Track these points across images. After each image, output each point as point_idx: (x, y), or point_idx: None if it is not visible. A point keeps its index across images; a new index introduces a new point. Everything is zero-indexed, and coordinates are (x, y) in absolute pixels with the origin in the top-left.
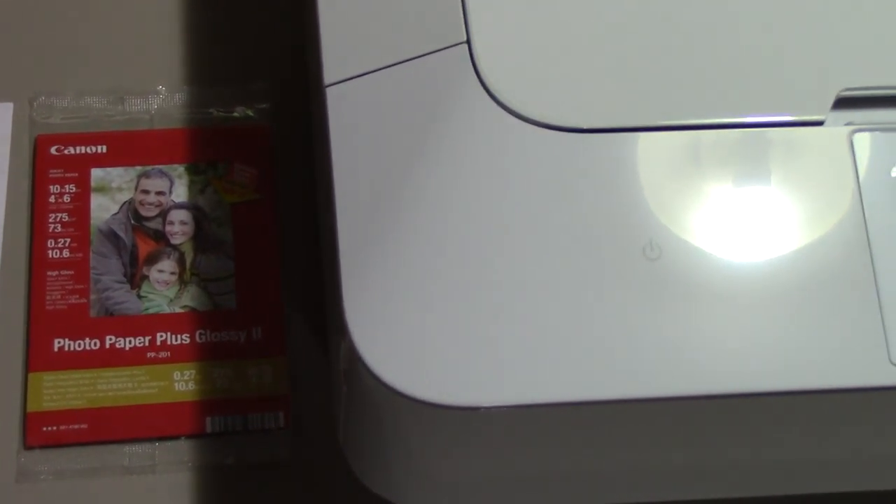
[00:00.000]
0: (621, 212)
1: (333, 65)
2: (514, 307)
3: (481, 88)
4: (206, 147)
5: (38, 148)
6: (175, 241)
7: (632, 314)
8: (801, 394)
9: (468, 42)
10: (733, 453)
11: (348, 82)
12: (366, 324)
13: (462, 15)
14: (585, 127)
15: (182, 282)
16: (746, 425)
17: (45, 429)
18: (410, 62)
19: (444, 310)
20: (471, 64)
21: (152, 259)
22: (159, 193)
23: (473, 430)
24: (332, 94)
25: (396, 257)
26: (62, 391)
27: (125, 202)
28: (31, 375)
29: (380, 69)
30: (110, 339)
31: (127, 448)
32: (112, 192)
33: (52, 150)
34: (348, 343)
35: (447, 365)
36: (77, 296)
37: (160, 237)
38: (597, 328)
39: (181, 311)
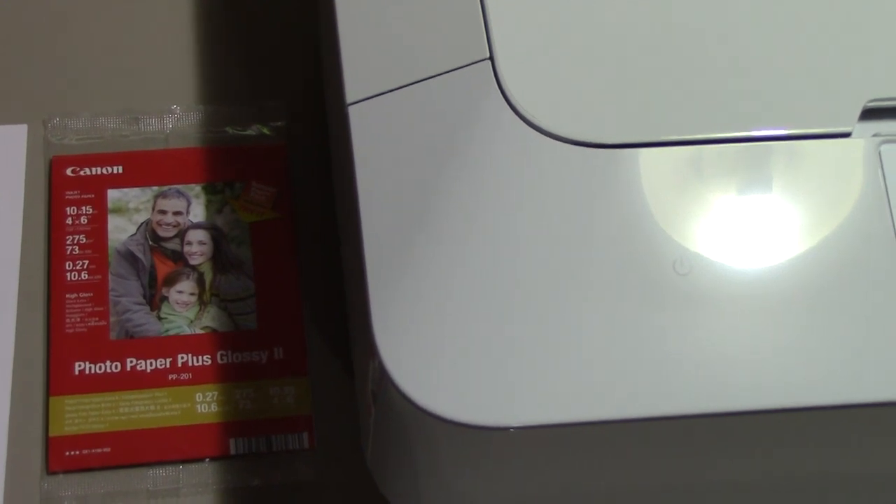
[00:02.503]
0: (650, 227)
1: (355, 83)
2: (543, 325)
3: (505, 104)
4: (222, 166)
5: (54, 169)
6: (194, 261)
7: (663, 331)
8: (838, 408)
9: (491, 58)
10: (768, 468)
11: (370, 100)
12: (395, 344)
13: (485, 31)
14: (611, 142)
15: (202, 302)
16: (781, 440)
17: (67, 453)
18: (433, 79)
19: (473, 329)
20: (494, 80)
21: (171, 280)
22: (177, 213)
23: (503, 449)
24: (354, 113)
25: (424, 277)
26: (84, 415)
27: (142, 223)
28: (52, 399)
29: (402, 87)
30: (131, 362)
31: (151, 471)
32: (129, 213)
33: (68, 172)
34: (377, 364)
35: (477, 385)
36: (96, 318)
37: (179, 258)
38: (628, 346)
39: (202, 332)
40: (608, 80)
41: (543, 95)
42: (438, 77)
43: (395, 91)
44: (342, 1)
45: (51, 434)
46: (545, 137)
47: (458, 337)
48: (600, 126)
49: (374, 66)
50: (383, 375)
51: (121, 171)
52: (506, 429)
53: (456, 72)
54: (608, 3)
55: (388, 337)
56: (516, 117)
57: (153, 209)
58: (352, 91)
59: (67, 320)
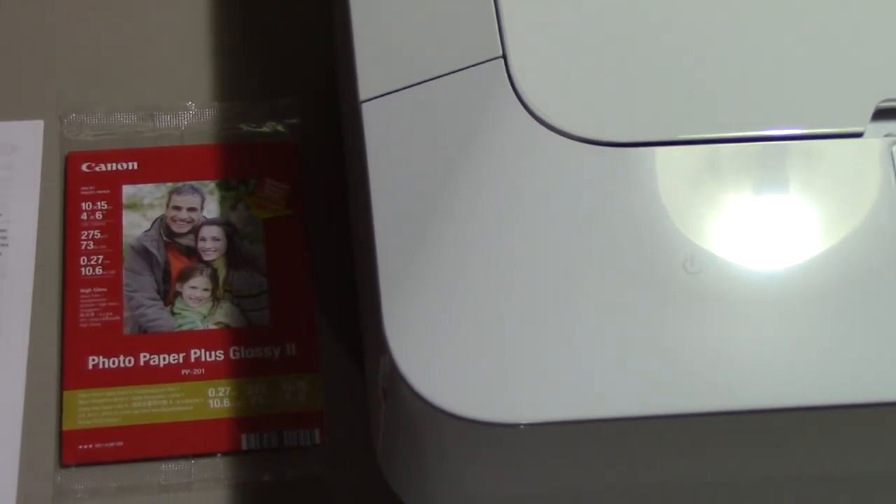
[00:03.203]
0: (660, 226)
1: (368, 81)
2: (553, 323)
3: (518, 103)
4: (236, 163)
5: (69, 165)
6: (207, 257)
7: (673, 330)
8: (848, 408)
9: (504, 57)
10: (777, 468)
11: (383, 98)
12: (406, 341)
13: (498, 30)
14: (624, 141)
15: (215, 298)
16: (791, 440)
17: (80, 447)
18: (446, 77)
19: (483, 326)
20: (507, 78)
21: (185, 276)
22: (191, 210)
23: (513, 446)
24: (367, 111)
25: (435, 274)
26: (97, 409)
27: (157, 218)
28: (65, 393)
29: (415, 84)
30: (144, 357)
31: (163, 466)
32: (144, 209)
33: (84, 167)
34: (388, 360)
35: (487, 382)
36: (110, 313)
37: (192, 254)
38: (638, 344)
39: (214, 327)
40: (619, 79)
41: (556, 93)
42: (451, 75)
43: (408, 88)
44: None
45: (64, 428)
46: (556, 135)
47: (469, 333)
48: (611, 124)
49: (388, 64)
50: (394, 371)
51: (136, 167)
52: (515, 426)
53: (468, 70)
54: (621, 1)
55: (399, 333)
56: (528, 115)
57: (168, 205)
58: (365, 88)
59: (81, 315)
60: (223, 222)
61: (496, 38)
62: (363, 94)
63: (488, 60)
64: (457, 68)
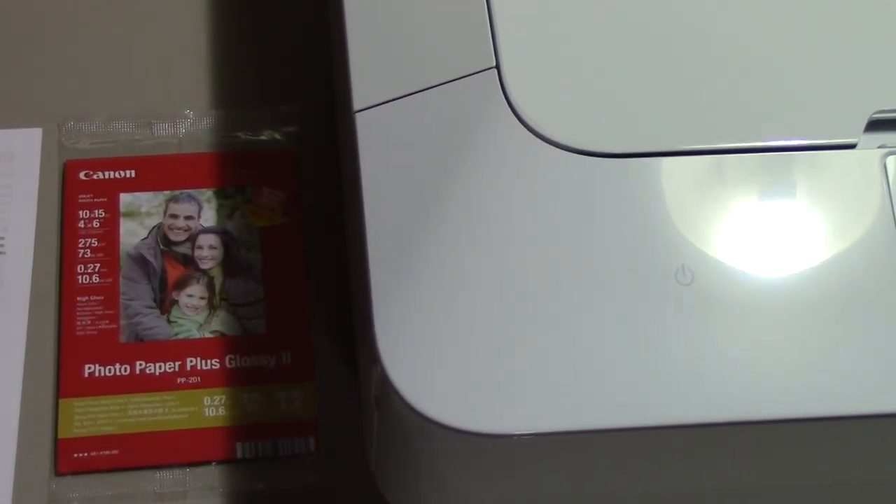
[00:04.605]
0: (652, 237)
1: (362, 91)
2: (545, 334)
3: (510, 113)
4: (234, 171)
5: (67, 173)
6: (204, 265)
7: (666, 340)
8: (841, 420)
9: (497, 67)
10: (769, 478)
11: (377, 108)
12: (397, 351)
13: (491, 40)
14: (615, 152)
15: (211, 307)
16: (785, 451)
17: (76, 455)
18: (439, 87)
19: (475, 337)
20: (500, 89)
21: (181, 284)
22: (188, 218)
23: (505, 456)
24: (361, 120)
25: (427, 284)
26: (93, 417)
27: (154, 227)
28: (61, 401)
29: (409, 95)
30: (140, 365)
31: (158, 474)
32: (141, 217)
33: (81, 175)
34: (380, 371)
35: (479, 392)
36: (107, 321)
37: (189, 262)
38: (630, 355)
39: (210, 336)
40: (611, 90)
41: (549, 104)
42: (444, 85)
43: (402, 99)
44: (351, 9)
45: (60, 436)
46: (548, 146)
47: (461, 344)
48: (603, 135)
49: (382, 74)
50: (385, 381)
51: (133, 175)
52: (509, 436)
53: (462, 80)
54: (616, 13)
55: (390, 343)
56: (521, 126)
57: (165, 213)
58: (359, 98)
59: (78, 323)
60: (220, 231)
61: (490, 49)
62: (357, 103)
63: (481, 71)
64: (450, 78)
